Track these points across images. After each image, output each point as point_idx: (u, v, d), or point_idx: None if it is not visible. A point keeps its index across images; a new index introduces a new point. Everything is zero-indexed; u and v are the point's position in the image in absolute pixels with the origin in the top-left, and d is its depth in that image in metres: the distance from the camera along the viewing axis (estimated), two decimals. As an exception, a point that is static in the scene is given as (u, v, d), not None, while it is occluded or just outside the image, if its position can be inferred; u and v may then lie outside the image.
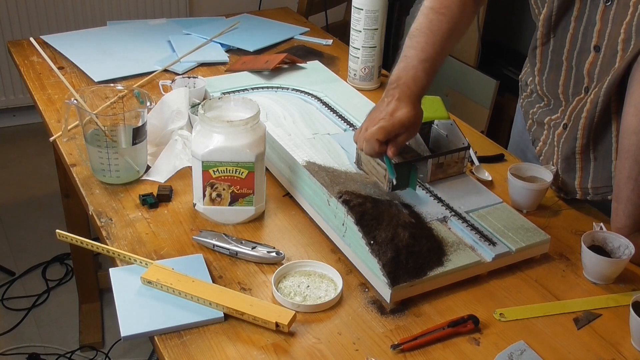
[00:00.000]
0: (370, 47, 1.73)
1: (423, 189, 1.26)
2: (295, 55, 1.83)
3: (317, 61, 1.81)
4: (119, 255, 1.14)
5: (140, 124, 1.31)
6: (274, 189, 1.35)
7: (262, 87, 1.63)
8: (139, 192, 1.31)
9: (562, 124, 1.32)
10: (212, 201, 1.23)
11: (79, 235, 1.17)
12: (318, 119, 1.47)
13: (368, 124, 1.18)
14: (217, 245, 1.17)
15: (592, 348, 1.02)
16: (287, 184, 1.34)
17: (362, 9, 1.69)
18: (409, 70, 1.22)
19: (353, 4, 1.71)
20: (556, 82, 1.32)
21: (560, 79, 1.31)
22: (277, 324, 1.01)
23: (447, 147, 1.29)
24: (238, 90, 1.60)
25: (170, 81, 1.60)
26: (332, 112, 1.50)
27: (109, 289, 1.11)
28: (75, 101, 1.34)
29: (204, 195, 1.22)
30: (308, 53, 1.96)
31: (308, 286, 1.10)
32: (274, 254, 1.15)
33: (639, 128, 1.12)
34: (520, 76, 1.47)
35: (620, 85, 1.19)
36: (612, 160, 1.27)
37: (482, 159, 1.47)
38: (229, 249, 1.16)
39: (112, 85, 1.49)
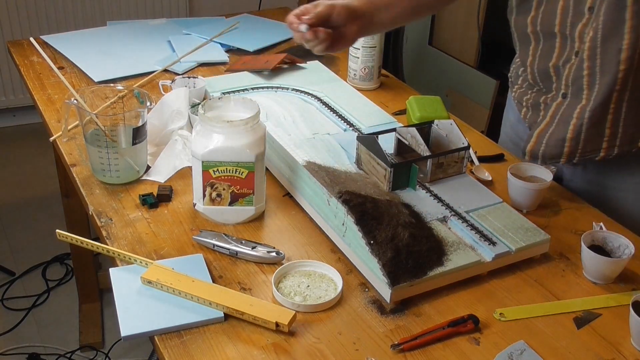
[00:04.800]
0: (370, 47, 1.73)
1: (423, 189, 1.26)
2: (295, 55, 1.83)
3: (317, 61, 1.81)
4: (119, 255, 1.14)
5: (140, 124, 1.31)
6: (274, 189, 1.35)
7: (262, 87, 1.63)
8: (139, 192, 1.31)
9: (560, 94, 1.32)
10: (212, 201, 1.23)
11: (79, 235, 1.17)
12: (318, 119, 1.47)
13: None
14: (217, 245, 1.17)
15: (592, 348, 1.02)
16: (287, 184, 1.34)
17: (362, 9, 1.69)
18: None
19: (353, 4, 1.71)
20: (550, 57, 1.33)
21: (555, 53, 1.31)
22: (277, 324, 1.01)
23: (447, 147, 1.29)
24: (238, 90, 1.60)
25: (170, 81, 1.60)
26: (332, 112, 1.50)
27: (109, 289, 1.12)
28: (75, 101, 1.34)
29: (204, 195, 1.22)
30: (308, 53, 1.94)
31: (308, 286, 1.10)
32: (274, 254, 1.15)
33: None
34: (509, 74, 1.50)
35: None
36: (606, 125, 1.27)
37: (482, 159, 1.47)
38: (229, 249, 1.16)
39: (112, 85, 1.49)
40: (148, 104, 1.34)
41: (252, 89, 1.62)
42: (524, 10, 1.35)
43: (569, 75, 1.29)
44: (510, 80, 1.51)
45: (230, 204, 1.23)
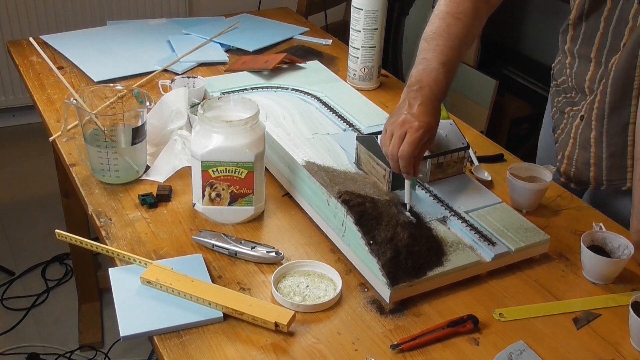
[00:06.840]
0: (369, 47, 1.73)
1: (423, 189, 1.26)
2: (294, 55, 1.83)
3: (316, 61, 1.81)
4: (118, 255, 1.14)
5: (139, 124, 1.31)
6: (274, 189, 1.35)
7: (262, 87, 1.63)
8: (139, 192, 1.31)
9: (579, 115, 1.34)
10: (212, 201, 1.23)
11: (78, 235, 1.17)
12: (318, 119, 1.47)
13: (393, 127, 1.15)
14: (216, 245, 1.17)
15: (592, 348, 1.02)
16: (286, 184, 1.34)
17: (361, 9, 1.69)
18: (430, 72, 1.19)
19: (353, 4, 1.71)
20: (584, 76, 1.33)
21: (588, 74, 1.32)
22: (276, 324, 1.01)
23: (447, 147, 1.29)
24: (237, 90, 1.60)
25: (170, 81, 1.60)
26: (331, 112, 1.50)
27: (108, 289, 1.11)
28: (74, 101, 1.34)
29: (204, 195, 1.22)
30: (308, 53, 1.96)
31: (307, 286, 1.10)
32: (273, 254, 1.15)
33: None
34: (553, 65, 1.49)
35: (625, 78, 1.22)
36: (627, 156, 1.28)
37: (482, 159, 1.47)
38: (228, 249, 1.16)
39: (111, 85, 1.49)
40: (147, 104, 1.34)
41: (252, 89, 1.62)
42: (564, 26, 1.36)
43: (593, 101, 1.30)
44: (552, 73, 1.50)
45: (230, 204, 1.23)
